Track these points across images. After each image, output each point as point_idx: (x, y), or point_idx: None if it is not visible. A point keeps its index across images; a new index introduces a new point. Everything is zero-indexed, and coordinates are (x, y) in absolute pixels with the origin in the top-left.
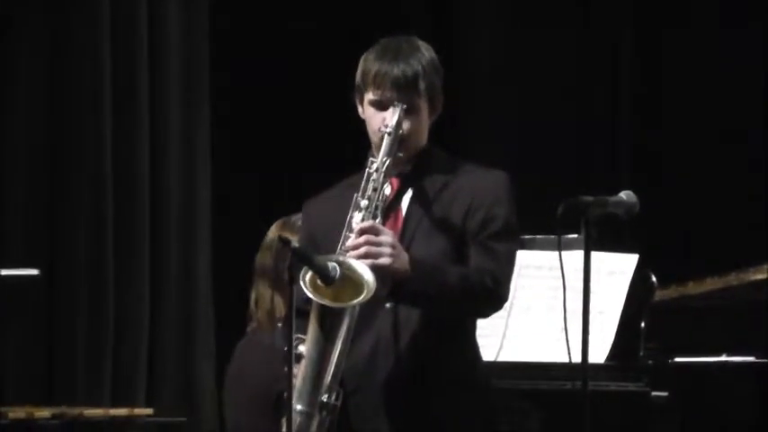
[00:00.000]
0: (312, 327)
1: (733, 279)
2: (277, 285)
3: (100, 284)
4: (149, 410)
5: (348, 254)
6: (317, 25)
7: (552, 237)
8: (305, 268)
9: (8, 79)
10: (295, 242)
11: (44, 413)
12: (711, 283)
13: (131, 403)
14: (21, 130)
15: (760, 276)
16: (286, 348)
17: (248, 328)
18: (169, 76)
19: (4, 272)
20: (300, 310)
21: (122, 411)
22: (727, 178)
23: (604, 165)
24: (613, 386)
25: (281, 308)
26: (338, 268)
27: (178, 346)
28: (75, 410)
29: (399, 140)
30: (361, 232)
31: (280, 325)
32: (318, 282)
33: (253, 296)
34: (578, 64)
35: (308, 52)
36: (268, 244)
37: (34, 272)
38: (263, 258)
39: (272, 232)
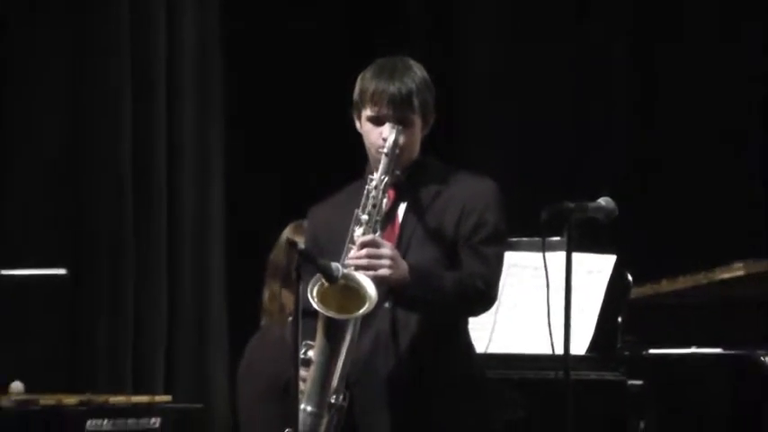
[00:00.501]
0: (319, 335)
1: (702, 278)
2: (287, 283)
3: (121, 283)
4: (168, 397)
5: (351, 265)
6: (318, 25)
7: (537, 239)
8: (312, 282)
9: (32, 80)
10: (301, 244)
11: (72, 400)
12: (683, 282)
13: (151, 392)
14: (44, 134)
15: (726, 275)
16: (293, 346)
17: (262, 322)
18: (183, 79)
19: (33, 271)
20: (307, 309)
21: (144, 398)
22: (717, 185)
23: (600, 172)
24: (593, 375)
25: (290, 304)
26: (341, 269)
27: (193, 342)
28: (101, 398)
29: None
30: (363, 246)
31: (290, 319)
32: (323, 285)
33: (266, 292)
34: (576, 74)
35: (314, 52)
36: (281, 245)
37: (62, 271)
38: (276, 258)
39: (285, 234)
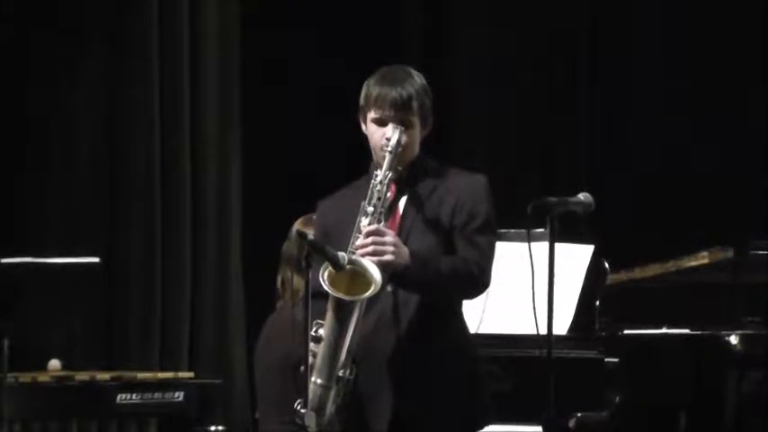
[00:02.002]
0: (329, 314)
1: (671, 265)
2: (298, 271)
3: (149, 273)
4: (191, 374)
5: (358, 252)
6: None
7: (522, 230)
8: (323, 267)
9: (70, 79)
10: (311, 235)
11: (105, 376)
12: (654, 269)
13: (175, 369)
14: (80, 131)
15: (693, 263)
16: (304, 326)
17: (277, 305)
18: (207, 91)
19: (70, 260)
20: (316, 292)
21: (169, 375)
22: (686, 177)
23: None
24: (573, 354)
25: (301, 289)
26: (347, 257)
27: (215, 324)
28: (130, 374)
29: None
30: (368, 234)
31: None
32: (332, 270)
33: (280, 279)
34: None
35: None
36: (292, 236)
37: (95, 260)
38: (288, 248)
39: (296, 226)
